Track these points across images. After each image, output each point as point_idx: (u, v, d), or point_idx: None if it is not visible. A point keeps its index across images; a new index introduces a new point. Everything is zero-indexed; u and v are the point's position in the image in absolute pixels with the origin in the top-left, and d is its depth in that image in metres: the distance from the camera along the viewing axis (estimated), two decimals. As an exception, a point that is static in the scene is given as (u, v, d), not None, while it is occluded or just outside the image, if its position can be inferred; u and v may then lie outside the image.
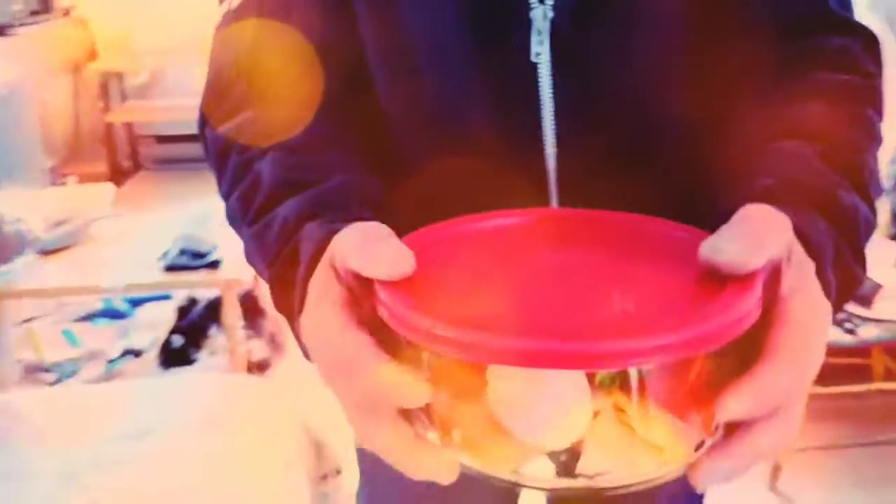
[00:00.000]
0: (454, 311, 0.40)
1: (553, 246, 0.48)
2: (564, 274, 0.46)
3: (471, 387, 0.41)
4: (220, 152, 0.65)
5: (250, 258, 0.61)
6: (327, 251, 0.46)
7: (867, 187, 0.57)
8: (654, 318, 0.40)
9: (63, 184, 3.08)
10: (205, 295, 2.80)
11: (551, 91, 0.63)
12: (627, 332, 0.38)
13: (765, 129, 0.60)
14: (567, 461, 0.41)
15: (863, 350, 2.28)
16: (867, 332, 2.10)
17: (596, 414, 0.40)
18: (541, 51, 0.62)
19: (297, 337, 0.51)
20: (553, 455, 0.41)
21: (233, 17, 0.68)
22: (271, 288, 0.56)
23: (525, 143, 0.65)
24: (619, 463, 0.41)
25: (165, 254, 2.43)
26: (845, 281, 0.52)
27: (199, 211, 2.56)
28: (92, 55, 4.44)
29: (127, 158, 4.48)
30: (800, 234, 0.45)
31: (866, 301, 2.19)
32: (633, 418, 0.40)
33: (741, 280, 0.40)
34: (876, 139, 0.61)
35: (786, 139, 0.58)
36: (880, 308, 2.17)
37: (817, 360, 0.43)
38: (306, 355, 0.49)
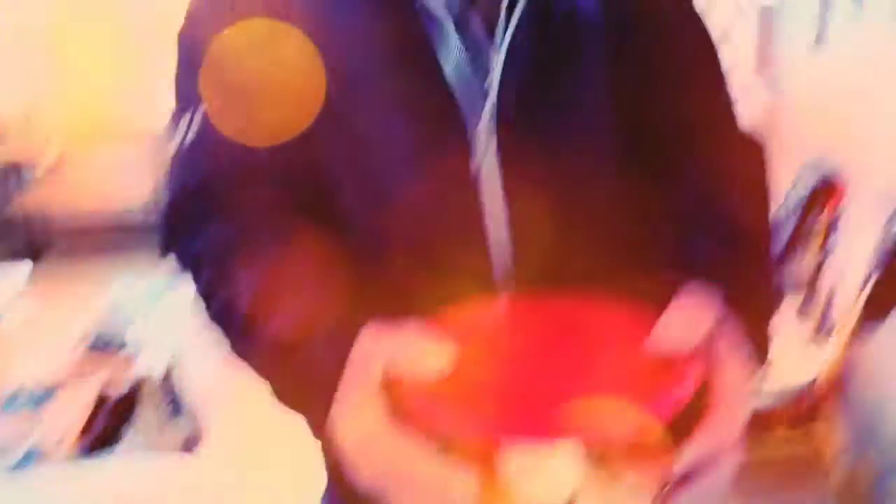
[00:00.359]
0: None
1: (516, 337, 0.58)
2: (533, 363, 0.55)
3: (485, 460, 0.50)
4: (193, 261, 0.74)
5: (245, 364, 0.69)
6: (353, 362, 0.55)
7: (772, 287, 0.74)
8: (616, 394, 0.49)
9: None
10: (118, 385, 2.75)
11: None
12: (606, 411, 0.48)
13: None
14: None
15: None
16: (763, 400, 2.25)
17: (583, 479, 0.50)
18: (479, 163, 0.71)
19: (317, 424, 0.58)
20: None
21: (188, 148, 0.74)
22: (283, 386, 0.64)
23: (465, 240, 0.72)
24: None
25: (83, 339, 2.41)
26: (760, 349, 0.63)
27: (113, 298, 2.55)
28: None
29: (28, 247, 4.38)
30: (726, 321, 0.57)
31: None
32: (609, 479, 0.51)
33: (683, 357, 0.52)
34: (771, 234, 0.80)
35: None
36: (776, 369, 2.32)
37: (743, 416, 0.54)
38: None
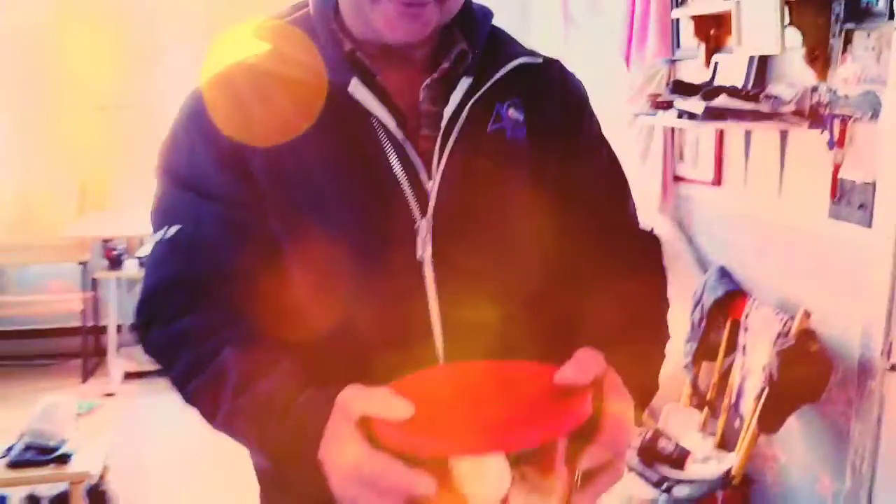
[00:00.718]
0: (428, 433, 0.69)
1: (463, 385, 0.79)
2: (475, 399, 0.76)
3: (441, 471, 0.69)
4: (169, 348, 0.88)
5: (229, 427, 0.82)
6: (336, 408, 0.72)
7: (661, 347, 0.96)
8: (537, 415, 0.71)
9: None
10: (48, 491, 2.71)
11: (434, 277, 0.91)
12: (519, 432, 0.69)
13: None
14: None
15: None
16: (680, 491, 2.38)
17: (513, 479, 0.70)
18: (424, 251, 0.91)
19: (302, 468, 0.74)
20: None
21: (167, 244, 0.90)
22: (268, 442, 0.77)
23: (412, 317, 0.90)
24: (528, 502, 0.72)
25: (9, 450, 2.39)
26: (641, 395, 0.84)
27: (46, 406, 2.55)
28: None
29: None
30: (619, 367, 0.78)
31: (679, 464, 2.48)
32: (532, 479, 0.72)
33: (578, 392, 0.72)
34: (667, 307, 1.00)
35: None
36: (690, 470, 2.46)
37: (630, 432, 0.76)
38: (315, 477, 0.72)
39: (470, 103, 0.92)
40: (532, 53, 1.00)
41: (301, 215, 0.89)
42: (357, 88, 0.88)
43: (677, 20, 2.94)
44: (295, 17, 0.95)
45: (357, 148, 0.90)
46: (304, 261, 0.89)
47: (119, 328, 4.27)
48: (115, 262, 4.13)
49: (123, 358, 4.34)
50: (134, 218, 4.43)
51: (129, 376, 4.28)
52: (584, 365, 0.74)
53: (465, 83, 0.92)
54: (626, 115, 3.08)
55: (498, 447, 0.69)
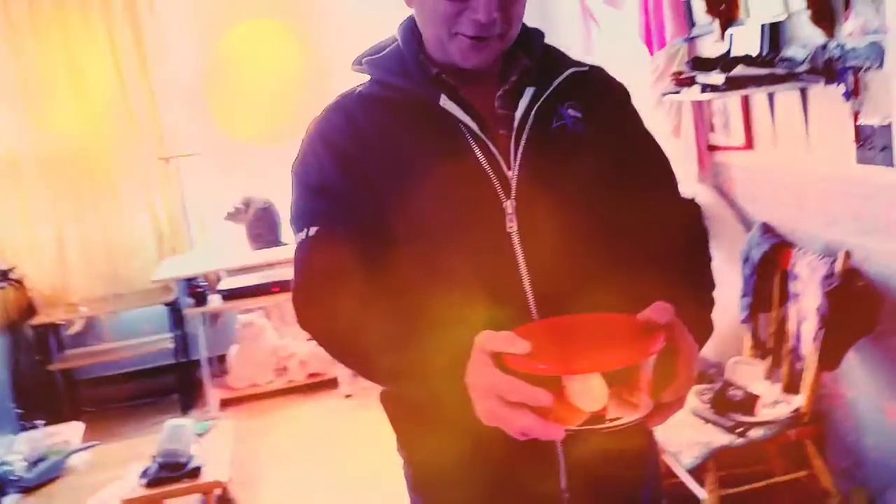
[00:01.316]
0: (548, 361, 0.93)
1: (564, 331, 1.02)
2: (575, 340, 1.00)
3: (557, 388, 0.92)
4: (329, 323, 1.13)
5: (393, 372, 1.06)
6: (476, 347, 0.95)
7: (709, 294, 1.21)
8: (624, 347, 0.95)
9: (34, 427, 3.29)
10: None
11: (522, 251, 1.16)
12: (613, 356, 0.93)
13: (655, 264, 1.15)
14: (601, 414, 0.93)
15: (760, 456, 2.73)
16: (755, 433, 2.55)
17: (609, 395, 0.93)
18: (512, 226, 1.15)
19: (439, 391, 0.99)
20: (595, 414, 0.93)
21: (311, 241, 1.15)
22: (427, 373, 1.00)
23: (509, 281, 1.15)
24: (621, 413, 0.94)
25: (145, 471, 2.68)
26: (699, 335, 1.06)
27: (170, 428, 2.84)
28: (30, 311, 4.72)
29: (68, 403, 4.65)
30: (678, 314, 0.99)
31: (749, 410, 2.66)
32: (623, 396, 0.95)
33: (655, 329, 0.96)
34: (710, 260, 1.26)
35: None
36: (761, 413, 2.64)
37: (695, 365, 0.99)
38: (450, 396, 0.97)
39: (535, 107, 1.18)
40: (580, 64, 1.26)
41: (410, 204, 1.14)
42: (446, 102, 1.15)
43: (689, 0, 3.12)
44: (386, 54, 1.23)
45: (450, 147, 1.16)
46: (416, 240, 1.14)
47: (210, 360, 4.59)
48: (201, 299, 4.43)
49: (217, 387, 4.65)
50: (210, 256, 4.76)
51: (224, 403, 4.59)
52: (660, 311, 0.97)
53: (529, 91, 1.18)
54: (654, 97, 3.27)
55: (597, 368, 0.92)
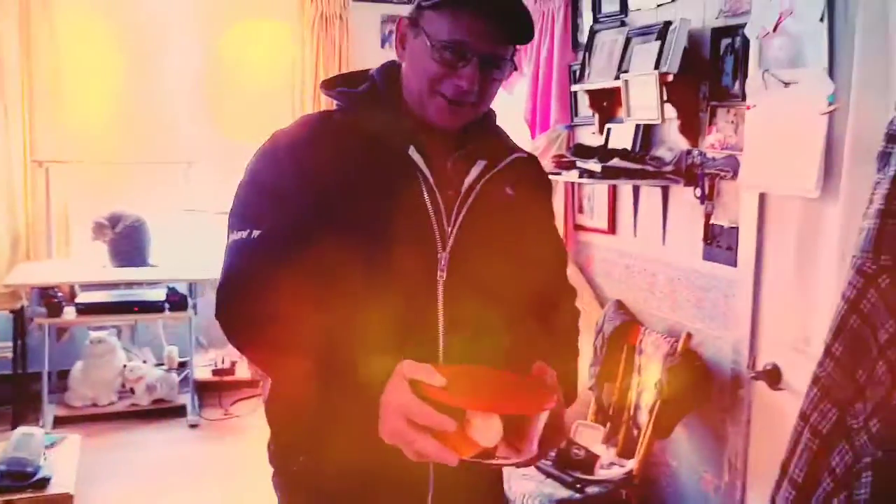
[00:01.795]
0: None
1: (471, 376, 1.16)
2: (480, 385, 1.13)
3: (460, 421, 1.04)
4: (251, 324, 1.21)
5: (300, 382, 1.17)
6: (396, 371, 1.08)
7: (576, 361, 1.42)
8: (525, 399, 1.13)
9: None
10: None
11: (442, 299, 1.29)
12: (518, 404, 1.11)
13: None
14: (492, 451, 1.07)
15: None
16: (591, 490, 2.79)
17: (506, 437, 1.07)
18: (441, 275, 1.28)
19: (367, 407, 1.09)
20: (486, 449, 1.06)
21: (250, 242, 1.23)
22: (345, 388, 1.12)
23: (427, 323, 1.28)
24: (507, 454, 1.10)
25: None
26: (569, 399, 1.31)
27: (19, 436, 2.74)
28: None
29: None
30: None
31: (589, 469, 2.91)
32: (512, 441, 1.10)
33: (549, 389, 1.19)
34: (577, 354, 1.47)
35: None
36: (599, 473, 2.90)
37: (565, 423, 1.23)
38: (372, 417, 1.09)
39: (484, 180, 1.33)
40: (521, 149, 1.43)
41: (358, 231, 1.23)
42: (414, 153, 1.28)
43: (575, 94, 3.45)
44: (364, 91, 1.34)
45: (406, 191, 1.28)
46: (355, 265, 1.23)
47: (49, 375, 4.40)
48: (54, 310, 4.27)
49: (54, 403, 4.46)
50: (69, 267, 4.60)
51: (59, 421, 4.40)
52: (544, 374, 1.19)
53: (481, 164, 1.33)
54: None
55: (503, 410, 1.07)
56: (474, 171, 1.33)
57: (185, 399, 4.63)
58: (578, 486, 2.80)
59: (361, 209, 1.25)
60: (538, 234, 1.43)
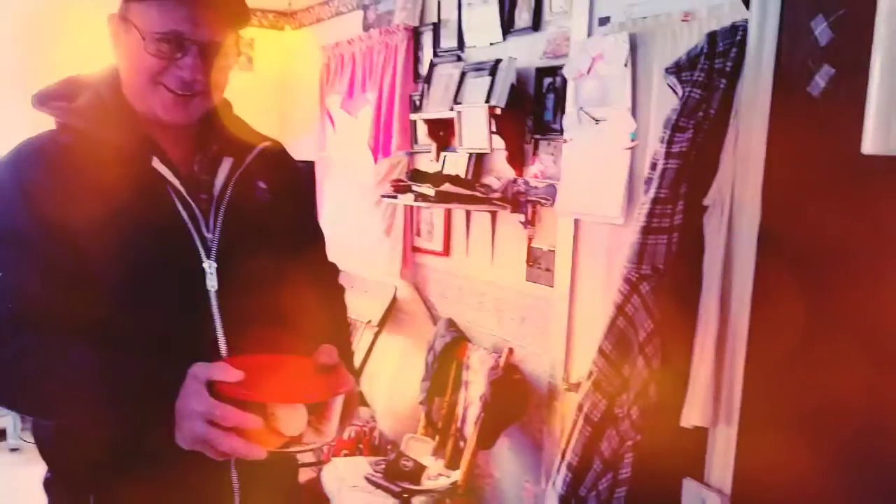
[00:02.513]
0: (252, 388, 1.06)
1: (263, 366, 1.16)
2: (274, 373, 1.14)
3: (263, 414, 1.05)
4: (7, 368, 1.11)
5: (78, 412, 1.11)
6: (190, 376, 1.05)
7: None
8: (323, 383, 1.15)
9: None
10: None
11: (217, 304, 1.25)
12: (318, 390, 1.13)
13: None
14: (295, 440, 1.09)
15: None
16: (417, 500, 2.92)
17: (308, 421, 1.09)
18: (212, 285, 1.24)
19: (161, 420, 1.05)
20: (293, 438, 1.09)
21: None
22: (130, 408, 1.07)
23: (205, 335, 1.23)
24: (313, 438, 1.11)
25: None
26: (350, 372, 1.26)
27: None
28: None
29: None
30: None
31: (416, 479, 3.03)
32: (315, 424, 1.12)
33: (337, 370, 1.18)
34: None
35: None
36: (425, 483, 3.02)
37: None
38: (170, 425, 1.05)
39: (235, 177, 1.29)
40: (265, 138, 1.38)
41: (113, 255, 1.15)
42: (158, 165, 1.21)
43: (415, 122, 3.62)
44: (86, 102, 1.23)
45: (157, 206, 1.21)
46: (117, 289, 1.16)
47: None
48: None
49: None
50: None
51: None
52: (328, 353, 1.16)
53: (228, 161, 1.30)
54: (374, 198, 3.69)
55: (305, 399, 1.09)
56: (222, 172, 1.29)
57: (6, 422, 4.42)
58: (405, 496, 2.92)
59: (112, 235, 1.16)
60: (296, 222, 1.41)
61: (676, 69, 1.65)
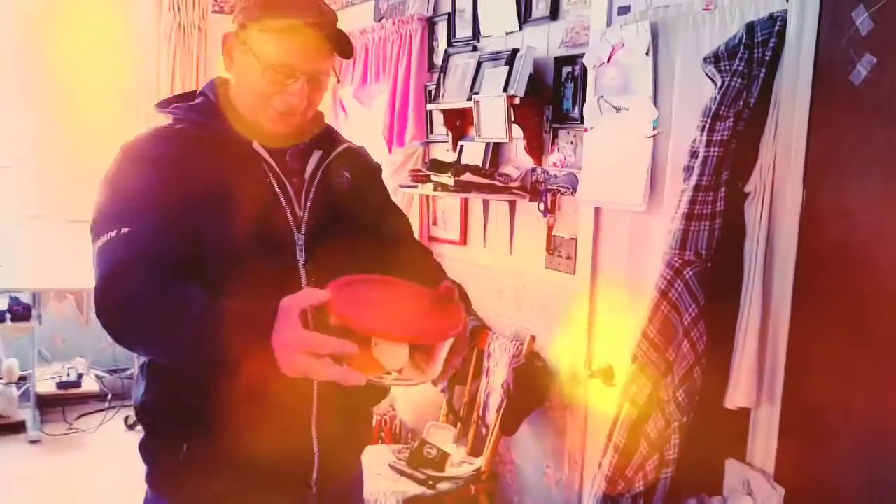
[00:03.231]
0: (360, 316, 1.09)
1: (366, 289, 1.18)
2: (378, 301, 1.15)
3: (366, 343, 1.07)
4: (140, 301, 1.20)
5: (200, 338, 1.15)
6: (281, 309, 1.10)
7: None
8: (434, 322, 1.15)
9: None
10: None
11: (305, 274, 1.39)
12: (431, 331, 1.13)
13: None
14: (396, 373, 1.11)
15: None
16: (442, 486, 2.96)
17: (411, 356, 1.11)
18: (301, 255, 1.38)
19: (254, 352, 1.10)
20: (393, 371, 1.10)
21: (123, 238, 1.26)
22: (233, 338, 1.11)
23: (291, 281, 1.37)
24: (411, 374, 1.12)
25: None
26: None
27: None
28: None
29: None
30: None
31: (440, 467, 3.07)
32: (419, 363, 1.13)
33: (455, 312, 1.20)
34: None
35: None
36: (449, 470, 3.06)
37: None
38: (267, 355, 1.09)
39: (323, 166, 1.47)
40: (350, 142, 1.59)
41: (219, 224, 1.32)
42: (258, 146, 1.40)
43: (430, 112, 3.65)
44: (199, 103, 1.44)
45: (257, 182, 1.39)
46: (221, 255, 1.31)
47: None
48: None
49: None
50: None
51: None
52: (449, 290, 1.24)
53: (318, 153, 1.48)
54: (391, 187, 3.71)
55: (409, 341, 1.09)
56: (313, 160, 1.47)
57: (26, 414, 4.45)
58: (430, 483, 2.96)
59: (220, 203, 1.33)
60: (381, 207, 1.59)
61: (715, 59, 1.67)
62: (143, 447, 1.46)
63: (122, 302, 1.22)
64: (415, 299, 1.19)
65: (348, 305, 1.10)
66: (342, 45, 1.40)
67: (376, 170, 1.65)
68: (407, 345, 1.10)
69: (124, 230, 1.27)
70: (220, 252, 1.32)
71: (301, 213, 1.41)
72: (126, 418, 4.64)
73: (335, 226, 1.45)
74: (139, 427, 4.68)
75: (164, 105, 1.48)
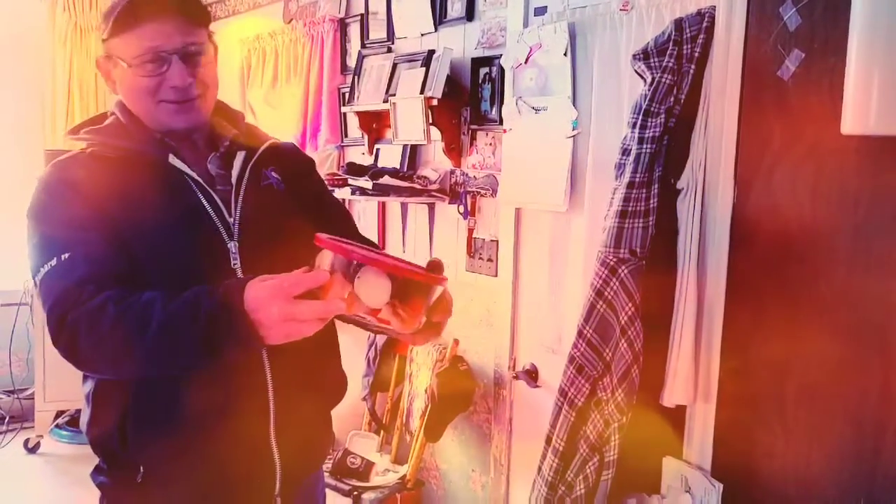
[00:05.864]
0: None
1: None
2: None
3: (347, 282, 1.03)
4: (95, 316, 1.16)
5: (166, 333, 1.12)
6: (249, 285, 1.07)
7: None
8: (409, 268, 1.10)
9: None
10: None
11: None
12: (403, 270, 1.07)
13: None
14: (373, 313, 1.06)
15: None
16: (368, 496, 2.89)
17: (391, 303, 1.05)
18: (236, 264, 1.34)
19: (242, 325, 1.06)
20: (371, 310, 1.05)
21: (66, 262, 1.23)
22: (210, 320, 1.08)
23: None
24: (390, 320, 1.07)
25: None
26: None
27: None
28: None
29: None
30: None
31: (365, 476, 3.00)
32: (399, 309, 1.07)
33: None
34: None
35: None
36: (374, 480, 3.00)
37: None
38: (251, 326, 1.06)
39: (249, 167, 1.44)
40: (274, 138, 1.55)
41: (150, 243, 1.31)
42: (174, 160, 1.38)
43: (345, 115, 3.57)
44: (109, 124, 1.42)
45: (180, 197, 1.36)
46: (155, 275, 1.29)
47: None
48: None
49: None
50: None
51: None
52: (440, 263, 1.22)
53: (241, 155, 1.45)
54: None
55: (390, 270, 1.05)
56: (237, 163, 1.44)
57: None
58: (355, 493, 2.89)
59: (145, 223, 1.31)
60: (317, 203, 1.54)
61: (644, 55, 1.67)
62: (98, 472, 1.43)
63: (80, 325, 1.18)
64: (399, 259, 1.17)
65: (329, 241, 1.08)
66: (192, 11, 1.37)
67: (308, 164, 1.62)
68: (387, 281, 1.05)
69: (64, 256, 1.25)
70: (156, 269, 1.30)
71: (231, 221, 1.38)
72: (26, 441, 4.38)
73: (270, 229, 1.40)
74: (41, 450, 4.42)
75: (75, 131, 1.45)
